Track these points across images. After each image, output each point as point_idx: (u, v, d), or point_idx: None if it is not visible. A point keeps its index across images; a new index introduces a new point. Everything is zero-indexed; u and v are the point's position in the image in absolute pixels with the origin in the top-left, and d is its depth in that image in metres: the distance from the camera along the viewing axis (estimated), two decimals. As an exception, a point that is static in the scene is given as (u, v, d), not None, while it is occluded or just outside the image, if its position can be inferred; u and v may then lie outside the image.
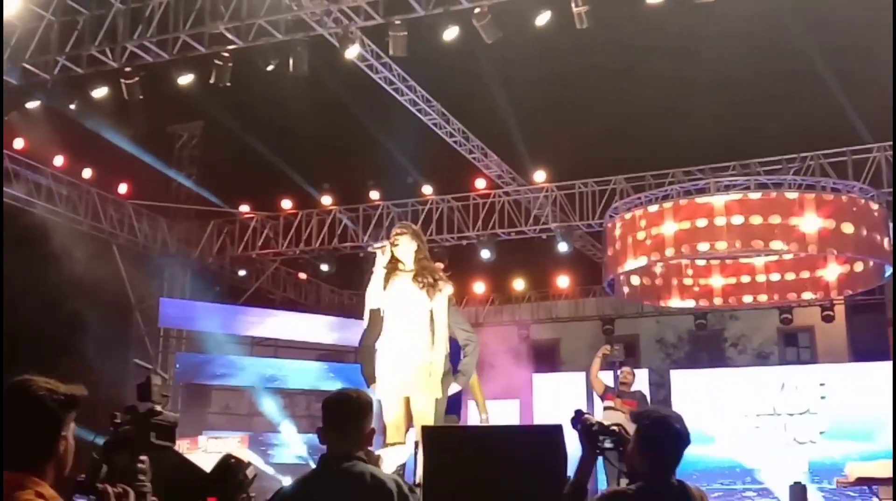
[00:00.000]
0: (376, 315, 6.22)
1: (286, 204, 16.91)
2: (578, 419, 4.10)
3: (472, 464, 4.63)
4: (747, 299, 15.01)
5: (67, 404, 2.76)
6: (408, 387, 6.01)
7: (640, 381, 15.83)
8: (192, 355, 17.61)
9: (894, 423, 10.74)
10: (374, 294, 6.23)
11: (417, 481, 4.99)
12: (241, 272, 17.60)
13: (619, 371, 10.62)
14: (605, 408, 10.28)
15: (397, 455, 5.62)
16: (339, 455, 3.51)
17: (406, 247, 6.23)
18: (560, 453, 4.75)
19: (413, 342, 6.07)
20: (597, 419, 4.17)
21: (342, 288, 20.28)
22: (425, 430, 5.08)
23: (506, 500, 4.51)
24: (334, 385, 17.26)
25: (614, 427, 4.04)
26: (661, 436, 3.81)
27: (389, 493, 3.39)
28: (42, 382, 2.74)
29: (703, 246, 12.78)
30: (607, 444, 4.03)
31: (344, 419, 3.59)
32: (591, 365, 10.72)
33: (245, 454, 14.69)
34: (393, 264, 6.24)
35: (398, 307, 6.17)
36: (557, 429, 4.76)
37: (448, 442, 4.95)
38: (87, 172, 15.57)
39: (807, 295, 14.88)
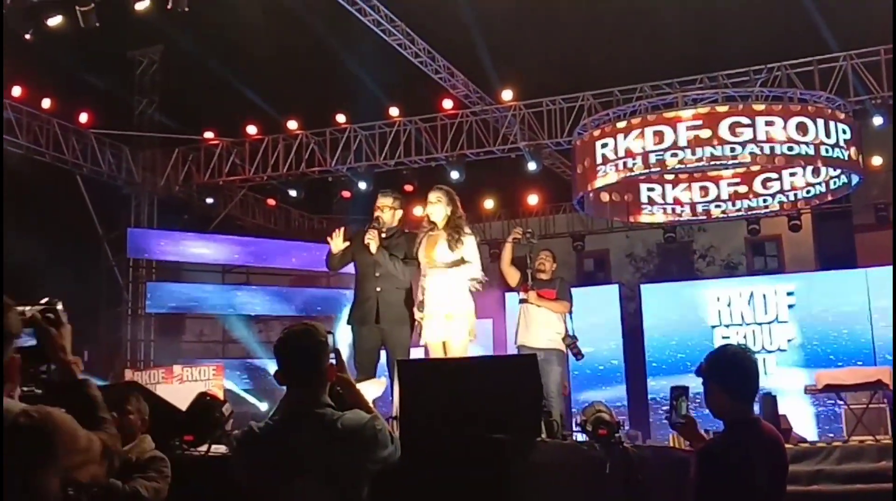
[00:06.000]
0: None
1: (251, 129, 16.67)
2: None
3: (448, 396, 4.67)
4: (716, 211, 15.08)
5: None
6: (444, 332, 6.80)
7: (611, 296, 16.06)
8: (162, 284, 17.53)
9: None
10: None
11: (394, 413, 5.04)
12: (209, 200, 17.43)
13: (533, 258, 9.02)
14: (520, 302, 9.01)
15: (371, 389, 5.66)
16: (306, 402, 3.32)
17: (440, 211, 7.08)
18: (534, 382, 4.81)
19: (440, 289, 6.89)
20: None
21: (312, 213, 20.18)
22: (400, 363, 5.11)
23: (482, 431, 4.55)
24: (308, 309, 17.35)
25: None
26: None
27: (364, 439, 3.25)
28: None
29: (671, 160, 12.77)
30: None
31: (302, 361, 3.34)
32: (502, 253, 9.19)
33: (221, 382, 14.77)
34: (430, 226, 7.09)
35: (432, 260, 6.98)
36: (531, 359, 4.82)
37: (423, 375, 4.99)
38: (46, 102, 15.27)
39: (773, 206, 14.96)
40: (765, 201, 14.86)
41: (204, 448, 5.45)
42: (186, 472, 4.97)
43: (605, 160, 13.11)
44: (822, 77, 13.89)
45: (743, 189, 14.78)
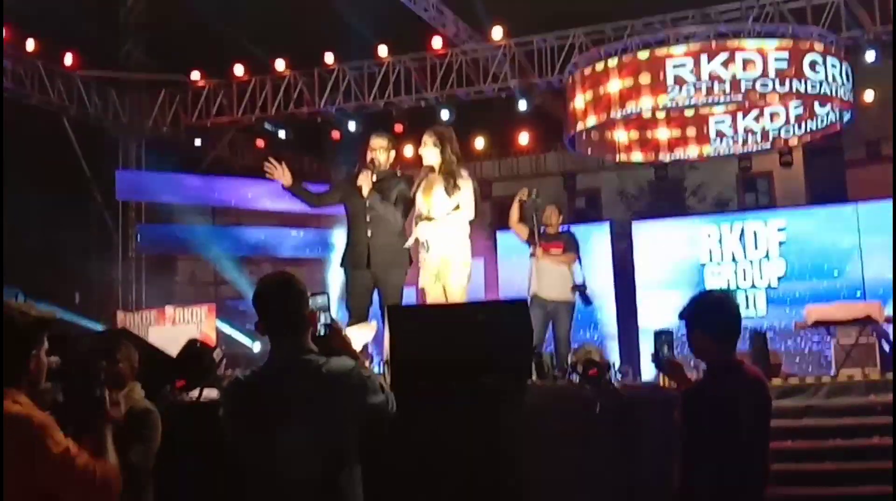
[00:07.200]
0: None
1: (238, 70, 16.50)
2: None
3: (439, 341, 4.68)
4: (707, 149, 15.02)
5: (37, 325, 2.91)
6: (440, 274, 6.91)
7: (602, 234, 16.06)
8: (152, 226, 17.49)
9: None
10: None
11: (386, 358, 5.06)
12: (197, 142, 17.29)
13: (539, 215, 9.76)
14: (531, 256, 9.78)
15: (362, 333, 5.68)
16: (290, 350, 3.34)
17: (431, 153, 7.05)
18: (525, 326, 4.82)
19: (437, 235, 6.94)
20: None
21: (302, 153, 20.06)
22: (391, 309, 5.12)
23: (473, 375, 4.57)
24: (298, 251, 17.35)
25: None
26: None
27: (350, 384, 3.28)
28: (14, 305, 2.92)
29: (662, 99, 12.69)
30: None
31: (284, 311, 3.34)
32: (510, 212, 9.87)
33: (213, 324, 14.80)
34: (427, 169, 7.07)
35: (429, 206, 7.02)
36: (521, 303, 4.83)
37: (413, 320, 4.99)
38: (30, 44, 15.07)
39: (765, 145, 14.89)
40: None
41: (195, 393, 5.47)
42: (178, 418, 5.00)
43: (596, 99, 13.00)
44: (814, 12, 13.76)
45: (732, 125, 14.71)
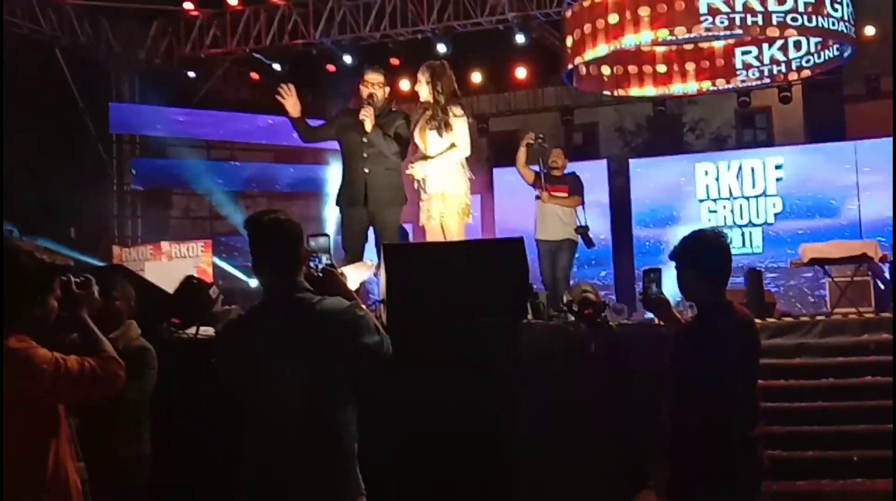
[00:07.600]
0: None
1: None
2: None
3: (434, 280, 4.67)
4: (706, 84, 14.85)
5: (46, 272, 2.84)
6: (438, 212, 6.96)
7: (599, 171, 16.01)
8: (147, 160, 17.38)
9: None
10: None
11: (382, 297, 5.04)
12: (191, 74, 17.08)
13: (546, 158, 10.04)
14: (536, 198, 9.97)
15: (358, 273, 5.66)
16: (285, 288, 3.31)
17: (424, 90, 7.06)
18: (520, 265, 4.80)
19: (434, 173, 7.01)
20: None
21: (297, 86, 19.82)
22: (387, 248, 5.10)
23: (468, 314, 4.56)
24: (293, 187, 17.27)
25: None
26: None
27: (344, 321, 3.25)
28: (28, 247, 2.83)
29: (662, 32, 12.51)
30: None
31: (277, 251, 3.31)
32: (517, 156, 10.02)
33: (209, 259, 14.78)
34: (423, 105, 7.11)
35: (425, 145, 7.08)
36: (517, 242, 4.81)
37: (409, 259, 4.97)
38: (19, -27, 14.81)
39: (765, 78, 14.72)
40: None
41: (192, 330, 5.47)
42: (175, 355, 5.00)
43: (595, 32, 12.80)
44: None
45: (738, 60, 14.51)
